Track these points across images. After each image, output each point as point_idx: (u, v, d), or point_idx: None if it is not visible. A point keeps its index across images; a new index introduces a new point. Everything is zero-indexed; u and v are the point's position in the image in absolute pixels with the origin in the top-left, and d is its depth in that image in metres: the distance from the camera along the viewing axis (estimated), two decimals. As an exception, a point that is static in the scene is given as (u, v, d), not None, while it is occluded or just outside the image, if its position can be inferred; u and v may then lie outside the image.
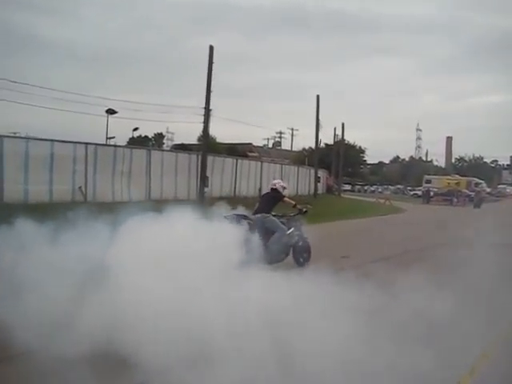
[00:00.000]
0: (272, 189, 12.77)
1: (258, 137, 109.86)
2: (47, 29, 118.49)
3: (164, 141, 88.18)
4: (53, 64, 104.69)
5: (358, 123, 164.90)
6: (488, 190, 79.76)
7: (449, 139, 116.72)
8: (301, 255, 11.98)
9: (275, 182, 13.29)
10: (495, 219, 31.19)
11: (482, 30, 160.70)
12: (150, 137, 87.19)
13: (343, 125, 65.58)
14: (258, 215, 11.70)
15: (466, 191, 63.72)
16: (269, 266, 9.21)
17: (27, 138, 27.13)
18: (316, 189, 52.47)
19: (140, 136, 78.22)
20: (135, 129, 66.09)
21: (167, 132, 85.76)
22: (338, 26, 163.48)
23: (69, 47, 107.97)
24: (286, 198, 12.64)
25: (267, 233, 11.29)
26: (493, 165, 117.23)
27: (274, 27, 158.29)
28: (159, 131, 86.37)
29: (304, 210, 12.56)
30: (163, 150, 47.77)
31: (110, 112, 46.97)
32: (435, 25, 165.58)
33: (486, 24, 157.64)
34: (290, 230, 11.98)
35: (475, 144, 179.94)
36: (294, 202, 12.62)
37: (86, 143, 27.38)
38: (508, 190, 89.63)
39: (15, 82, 28.36)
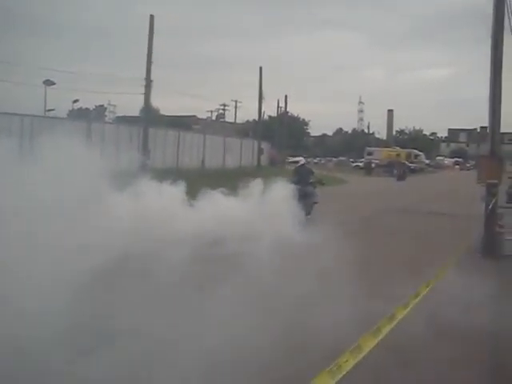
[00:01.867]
0: (302, 165, 17.28)
1: (203, 109, 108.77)
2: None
3: (106, 113, 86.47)
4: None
5: (302, 96, 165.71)
6: (427, 161, 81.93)
7: (390, 112, 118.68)
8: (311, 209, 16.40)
9: (300, 159, 18.03)
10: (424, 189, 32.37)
11: (427, 5, 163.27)
12: (91, 109, 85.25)
13: (286, 97, 65.91)
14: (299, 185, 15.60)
15: (406, 162, 65.31)
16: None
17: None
18: (259, 161, 52.68)
19: (81, 108, 76.39)
20: (75, 101, 64.44)
21: (109, 104, 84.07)
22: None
23: (5, 17, 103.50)
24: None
25: (306, 195, 15.69)
26: (432, 137, 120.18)
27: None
28: (101, 103, 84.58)
29: (323, 182, 18.65)
30: (104, 123, 46.85)
31: (48, 83, 45.64)
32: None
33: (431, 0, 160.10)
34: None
35: (415, 117, 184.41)
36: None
37: (22, 115, 26.55)
38: (446, 162, 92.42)
39: None
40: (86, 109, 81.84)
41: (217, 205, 12.84)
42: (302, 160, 17.86)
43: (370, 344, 4.45)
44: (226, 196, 13.35)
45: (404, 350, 5.71)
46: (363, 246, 10.98)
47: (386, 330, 4.95)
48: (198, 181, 17.13)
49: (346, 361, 3.92)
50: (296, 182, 15.76)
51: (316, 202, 16.54)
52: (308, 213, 15.57)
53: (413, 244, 12.68)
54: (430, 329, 6.33)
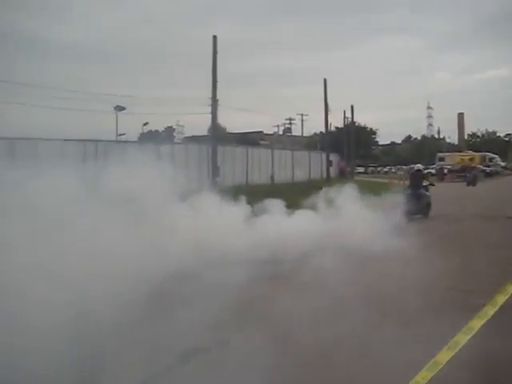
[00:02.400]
0: (417, 170, 20.34)
1: (269, 124, 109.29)
2: (49, 30, 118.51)
3: (174, 134, 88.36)
4: (58, 64, 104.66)
5: (368, 105, 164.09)
6: (502, 164, 79.06)
7: (460, 115, 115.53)
8: (428, 209, 18.95)
9: (418, 166, 21.38)
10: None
11: (493, 2, 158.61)
12: (160, 131, 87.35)
13: (352, 107, 65.32)
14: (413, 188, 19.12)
15: (481, 166, 63.18)
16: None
17: (38, 139, 27.30)
18: (328, 173, 52.36)
19: (150, 131, 78.41)
20: (145, 124, 66.23)
21: (177, 125, 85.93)
22: (344, 7, 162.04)
23: (72, 46, 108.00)
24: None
25: (420, 196, 18.51)
26: (507, 139, 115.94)
27: (278, 12, 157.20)
28: (169, 125, 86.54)
29: (433, 184, 20.83)
30: (174, 143, 47.87)
31: (119, 109, 47.14)
32: (443, 1, 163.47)
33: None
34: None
35: (488, 119, 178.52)
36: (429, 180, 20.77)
37: (96, 141, 27.53)
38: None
39: (23, 84, 28.52)
40: (156, 131, 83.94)
41: (313, 217, 12.97)
42: (419, 165, 21.52)
43: None
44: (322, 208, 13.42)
45: None
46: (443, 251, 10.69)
47: None
48: (282, 194, 17.07)
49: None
50: (411, 185, 19.32)
51: (429, 203, 19.02)
52: (425, 214, 18.52)
53: (496, 250, 12.21)
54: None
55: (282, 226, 12.04)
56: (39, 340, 5.12)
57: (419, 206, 17.95)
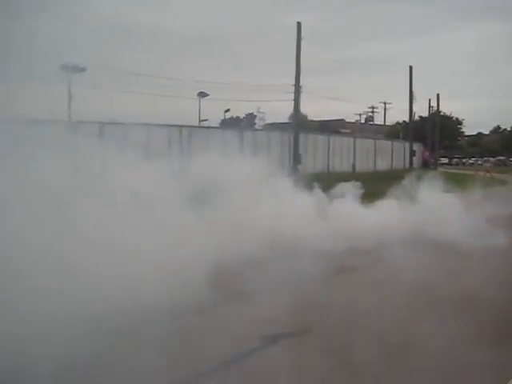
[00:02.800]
0: None
1: (351, 112, 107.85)
2: (136, 16, 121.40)
3: (256, 121, 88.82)
4: (143, 50, 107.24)
5: (454, 93, 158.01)
6: None
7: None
8: None
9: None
10: None
11: None
12: (241, 117, 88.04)
13: (438, 96, 63.39)
14: None
15: None
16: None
17: (125, 124, 28.13)
18: (411, 163, 51.16)
19: (232, 117, 79.16)
20: (227, 110, 66.88)
21: (258, 112, 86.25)
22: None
23: (158, 32, 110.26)
24: None
25: None
26: None
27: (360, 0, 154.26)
28: (250, 111, 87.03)
29: None
30: (255, 130, 48.15)
31: (202, 95, 47.84)
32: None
33: None
34: None
35: None
36: None
37: (181, 126, 28.09)
38: None
39: (110, 70, 29.44)
40: (237, 117, 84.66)
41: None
42: None
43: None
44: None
45: None
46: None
47: None
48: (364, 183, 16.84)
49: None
50: None
51: None
52: None
53: None
54: None
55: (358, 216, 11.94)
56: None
57: None
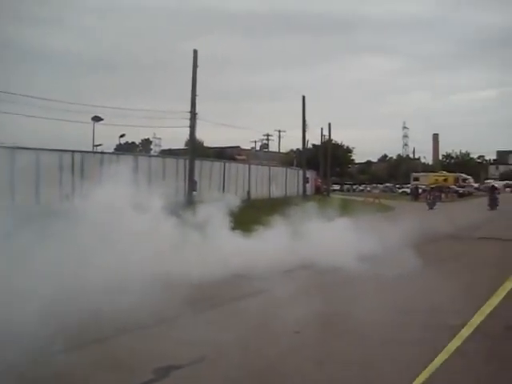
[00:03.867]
0: (493, 185, 38.08)
1: (246, 139, 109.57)
2: (32, 37, 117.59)
3: (151, 146, 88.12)
4: (37, 72, 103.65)
5: (345, 122, 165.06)
6: (475, 185, 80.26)
7: (435, 136, 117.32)
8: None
9: (492, 181, 39.89)
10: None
11: (468, 27, 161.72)
12: (137, 143, 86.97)
13: (330, 125, 65.84)
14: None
15: (454, 187, 64.11)
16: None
17: (13, 148, 26.95)
18: (305, 189, 52.50)
19: (127, 142, 77.95)
20: (122, 135, 65.76)
21: (154, 137, 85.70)
22: (324, 25, 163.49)
23: (54, 55, 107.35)
24: None
25: (495, 199, 37.41)
26: (480, 160, 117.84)
27: (258, 29, 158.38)
28: (146, 137, 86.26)
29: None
30: (150, 156, 47.65)
31: (97, 119, 46.77)
32: (421, 22, 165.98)
33: (472, 21, 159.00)
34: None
35: (462, 141, 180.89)
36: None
37: (73, 151, 27.27)
38: (496, 185, 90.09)
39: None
40: (133, 143, 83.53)
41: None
42: (492, 182, 38.12)
43: None
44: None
45: None
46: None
47: None
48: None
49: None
50: (491, 194, 38.26)
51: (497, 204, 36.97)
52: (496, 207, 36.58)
53: (469, 272, 12.34)
54: None
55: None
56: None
57: (495, 203, 37.02)
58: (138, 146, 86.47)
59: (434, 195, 44.53)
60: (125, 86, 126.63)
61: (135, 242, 9.63)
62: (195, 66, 31.06)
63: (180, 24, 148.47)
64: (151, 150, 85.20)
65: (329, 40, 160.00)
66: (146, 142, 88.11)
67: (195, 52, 31.20)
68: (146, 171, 31.05)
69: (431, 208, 40.29)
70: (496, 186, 46.23)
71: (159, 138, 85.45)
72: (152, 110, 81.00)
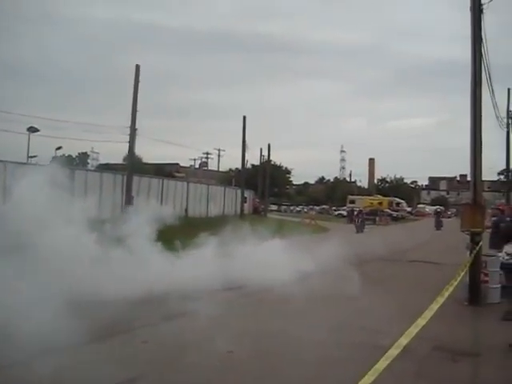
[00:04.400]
0: (438, 210, 50.41)
1: (185, 157, 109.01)
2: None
3: (89, 160, 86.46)
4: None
5: (284, 144, 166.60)
6: (408, 209, 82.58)
7: (371, 161, 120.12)
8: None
9: (439, 207, 48.61)
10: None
11: (405, 57, 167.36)
12: (73, 156, 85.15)
13: (269, 145, 66.35)
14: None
15: (388, 210, 65.80)
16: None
17: None
18: (242, 209, 52.67)
19: (64, 155, 76.17)
20: (58, 148, 64.24)
21: (92, 151, 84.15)
22: (266, 48, 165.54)
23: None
24: None
25: (440, 222, 44.10)
26: (412, 185, 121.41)
27: (201, 48, 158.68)
28: (84, 150, 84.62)
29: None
30: (88, 170, 46.77)
31: (32, 130, 45.56)
32: (361, 50, 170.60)
33: (408, 51, 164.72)
34: None
35: (397, 166, 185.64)
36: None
37: (5, 161, 26.43)
38: (427, 210, 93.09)
39: None
40: (69, 156, 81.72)
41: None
42: (439, 208, 43.28)
43: None
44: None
45: None
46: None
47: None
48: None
49: None
50: (437, 216, 45.95)
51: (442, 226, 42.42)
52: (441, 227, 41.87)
53: (398, 293, 12.67)
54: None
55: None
56: None
57: (440, 225, 41.95)
58: (74, 159, 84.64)
59: (363, 218, 44.34)
60: (62, 98, 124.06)
61: (51, 258, 9.26)
62: (137, 81, 30.83)
63: (121, 38, 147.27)
64: (88, 164, 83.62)
65: (271, 61, 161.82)
66: (84, 156, 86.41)
67: (137, 67, 30.98)
68: (83, 185, 30.48)
69: (360, 231, 39.57)
70: (439, 210, 54.50)
71: (97, 153, 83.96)
72: (90, 123, 79.81)
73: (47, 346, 6.22)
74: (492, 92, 16.24)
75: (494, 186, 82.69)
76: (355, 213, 59.80)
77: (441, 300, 6.88)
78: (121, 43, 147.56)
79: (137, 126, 31.59)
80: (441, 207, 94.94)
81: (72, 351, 6.53)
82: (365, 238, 32.50)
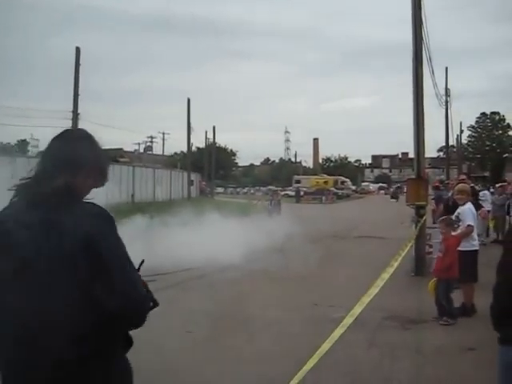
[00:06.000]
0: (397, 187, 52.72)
1: (129, 141, 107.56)
2: None
3: (29, 148, 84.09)
4: None
5: (229, 126, 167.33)
6: (353, 187, 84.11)
7: (315, 141, 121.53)
8: None
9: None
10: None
11: (350, 36, 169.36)
12: (12, 144, 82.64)
13: (214, 128, 66.29)
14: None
15: (334, 189, 66.89)
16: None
17: None
18: (189, 192, 52.56)
19: (1, 143, 73.84)
20: (-6, 136, 62.28)
21: (31, 138, 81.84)
22: (209, 30, 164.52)
23: None
24: None
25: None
26: (356, 164, 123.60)
27: (143, 31, 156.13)
28: (22, 138, 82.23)
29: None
30: (29, 157, 45.54)
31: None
32: (306, 31, 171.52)
33: (347, 33, 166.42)
34: None
35: (340, 145, 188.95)
36: None
37: None
38: (371, 187, 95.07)
39: None
40: (8, 144, 79.21)
41: None
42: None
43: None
44: None
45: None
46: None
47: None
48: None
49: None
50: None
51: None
52: None
53: (348, 268, 13.02)
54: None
55: None
56: None
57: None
58: (13, 147, 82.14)
59: (276, 199, 32.20)
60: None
61: None
62: (78, 63, 30.16)
63: (57, 20, 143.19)
64: (28, 151, 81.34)
65: (213, 44, 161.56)
66: (23, 143, 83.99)
67: (78, 49, 30.28)
68: (24, 173, 29.61)
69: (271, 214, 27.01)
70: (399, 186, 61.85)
71: (37, 139, 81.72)
72: (30, 108, 77.42)
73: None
74: (432, 72, 16.77)
75: (434, 162, 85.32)
76: (301, 193, 60.78)
77: (390, 270, 7.14)
78: (59, 26, 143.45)
79: (79, 111, 30.97)
80: (383, 184, 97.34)
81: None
82: (313, 214, 32.94)
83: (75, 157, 2.29)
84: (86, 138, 2.43)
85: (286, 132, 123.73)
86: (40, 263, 2.06)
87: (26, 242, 2.07)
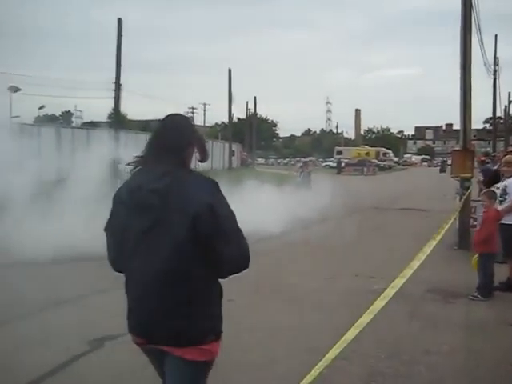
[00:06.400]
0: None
1: (171, 112, 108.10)
2: None
3: (73, 119, 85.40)
4: None
5: (270, 97, 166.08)
6: (395, 159, 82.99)
7: (357, 112, 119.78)
8: None
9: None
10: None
11: (392, 7, 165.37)
12: (57, 115, 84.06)
13: (255, 98, 66.05)
14: None
15: (375, 161, 66.10)
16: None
17: None
18: (231, 162, 52.73)
19: (47, 114, 75.15)
20: (41, 107, 63.34)
21: (75, 110, 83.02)
22: (248, 2, 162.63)
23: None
24: None
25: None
26: (399, 135, 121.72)
27: (184, 0, 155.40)
28: (67, 109, 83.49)
29: None
30: (73, 127, 46.34)
31: (13, 89, 44.84)
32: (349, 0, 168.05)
33: (395, 2, 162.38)
34: None
35: (383, 116, 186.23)
36: None
37: None
38: (413, 159, 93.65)
39: None
40: (53, 115, 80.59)
41: None
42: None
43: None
44: None
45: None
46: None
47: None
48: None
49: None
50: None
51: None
52: None
53: (390, 240, 12.92)
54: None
55: None
56: None
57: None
58: (58, 118, 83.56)
59: (306, 170, 26.92)
60: (44, 55, 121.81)
61: None
62: (120, 35, 30.34)
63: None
64: (72, 122, 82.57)
65: (252, 14, 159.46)
66: (67, 115, 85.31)
67: (120, 21, 30.45)
68: (70, 143, 30.21)
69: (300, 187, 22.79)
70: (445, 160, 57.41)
71: (80, 111, 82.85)
72: (74, 80, 78.61)
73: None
74: (481, 41, 16.24)
75: (480, 134, 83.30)
76: (343, 164, 60.29)
77: (433, 243, 7.02)
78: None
79: (121, 82, 31.22)
80: (426, 156, 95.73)
81: None
82: (359, 185, 32.68)
83: (184, 137, 2.84)
84: (187, 121, 3.03)
85: (328, 103, 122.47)
86: (168, 222, 2.60)
87: (159, 205, 2.60)
